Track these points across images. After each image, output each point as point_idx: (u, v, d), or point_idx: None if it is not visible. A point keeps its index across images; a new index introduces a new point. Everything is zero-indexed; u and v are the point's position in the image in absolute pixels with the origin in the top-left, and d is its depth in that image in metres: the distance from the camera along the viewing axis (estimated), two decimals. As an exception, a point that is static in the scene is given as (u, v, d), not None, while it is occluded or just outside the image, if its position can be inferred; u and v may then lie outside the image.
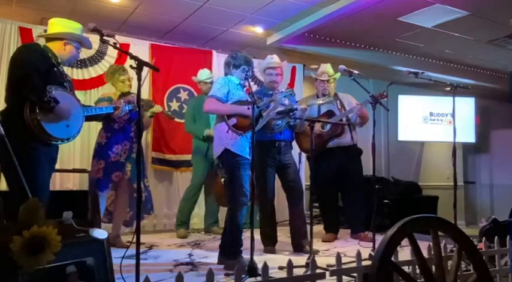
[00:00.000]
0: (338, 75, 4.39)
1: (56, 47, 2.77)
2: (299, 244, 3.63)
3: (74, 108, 2.67)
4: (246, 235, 4.13)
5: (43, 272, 1.50)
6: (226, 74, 3.29)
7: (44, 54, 2.67)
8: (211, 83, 4.42)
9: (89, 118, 2.96)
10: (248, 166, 3.07)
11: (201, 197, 4.60)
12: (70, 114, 2.60)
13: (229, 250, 3.02)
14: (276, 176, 3.78)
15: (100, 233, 1.71)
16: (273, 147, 3.65)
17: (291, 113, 3.53)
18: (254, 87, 5.60)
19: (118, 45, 2.29)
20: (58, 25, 2.81)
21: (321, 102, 3.96)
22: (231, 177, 3.07)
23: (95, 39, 4.47)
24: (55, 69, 2.65)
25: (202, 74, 4.54)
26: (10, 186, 2.34)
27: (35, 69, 2.48)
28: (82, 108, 2.80)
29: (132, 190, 3.60)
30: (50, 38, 2.80)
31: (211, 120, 4.33)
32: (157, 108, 3.96)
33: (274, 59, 3.81)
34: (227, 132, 3.06)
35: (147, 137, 4.93)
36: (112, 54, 4.71)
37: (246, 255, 3.09)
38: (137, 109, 2.19)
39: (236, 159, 3.04)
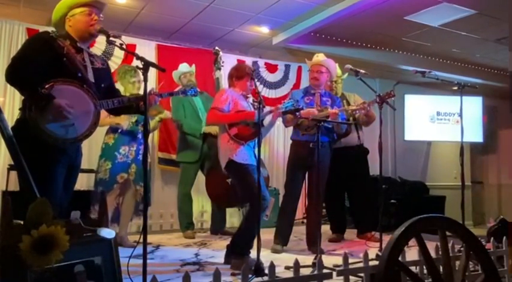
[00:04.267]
0: (346, 75, 4.40)
1: (65, 29, 2.43)
2: (310, 242, 3.68)
3: (81, 104, 2.30)
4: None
5: (51, 272, 1.52)
6: (229, 86, 3.36)
7: (49, 43, 2.32)
8: (191, 75, 4.48)
9: (115, 111, 2.65)
10: (254, 172, 3.08)
11: (206, 197, 4.61)
12: (72, 111, 2.21)
13: (240, 249, 3.03)
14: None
15: (107, 233, 1.73)
16: (306, 148, 3.65)
17: (296, 113, 3.54)
18: (260, 87, 5.62)
19: (124, 46, 2.29)
20: (56, 10, 2.48)
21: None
22: (244, 185, 3.09)
23: (101, 40, 4.55)
24: (64, 59, 2.32)
25: (183, 67, 4.54)
26: (21, 186, 2.32)
27: (29, 62, 2.23)
28: (94, 102, 2.37)
29: (135, 191, 3.65)
30: (58, 28, 2.48)
31: (202, 116, 4.34)
32: (165, 114, 4.05)
33: (318, 57, 3.87)
34: (228, 142, 3.09)
35: (153, 138, 4.95)
36: (118, 54, 4.74)
37: (252, 255, 3.09)
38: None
39: (242, 167, 3.07)
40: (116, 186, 3.61)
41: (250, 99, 3.40)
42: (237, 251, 3.04)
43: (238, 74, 3.28)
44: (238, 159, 3.06)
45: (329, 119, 3.57)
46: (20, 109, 2.30)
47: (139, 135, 3.67)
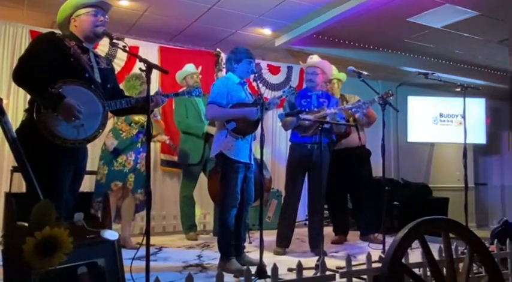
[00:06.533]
0: (343, 76, 4.36)
1: (70, 30, 2.41)
2: (312, 244, 3.67)
3: (90, 104, 2.26)
4: (255, 236, 4.14)
5: (55, 273, 1.52)
6: (228, 71, 3.27)
7: (55, 43, 2.29)
8: (197, 76, 4.47)
9: (120, 111, 2.59)
10: (243, 169, 3.08)
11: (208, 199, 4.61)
12: (82, 111, 2.18)
13: (221, 251, 3.04)
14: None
15: (111, 234, 1.73)
16: (305, 150, 3.64)
17: (298, 114, 3.53)
18: (262, 89, 5.62)
19: (127, 48, 2.29)
20: (61, 10, 2.44)
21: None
22: (223, 180, 3.08)
23: (104, 42, 4.56)
24: (71, 59, 2.28)
25: (189, 68, 4.54)
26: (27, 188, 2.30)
27: (37, 62, 2.18)
28: (102, 103, 2.34)
29: (135, 199, 3.66)
30: (63, 28, 2.45)
31: (204, 117, 4.35)
32: (162, 138, 4.20)
33: (312, 58, 3.86)
34: (226, 137, 3.05)
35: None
36: (122, 57, 4.75)
37: (255, 257, 3.09)
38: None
39: (230, 162, 3.03)
40: (109, 192, 3.62)
41: (247, 86, 3.29)
42: (221, 253, 3.05)
43: (237, 56, 3.15)
44: (229, 154, 3.02)
45: (327, 120, 3.55)
46: (25, 111, 2.27)
47: (139, 145, 3.67)
